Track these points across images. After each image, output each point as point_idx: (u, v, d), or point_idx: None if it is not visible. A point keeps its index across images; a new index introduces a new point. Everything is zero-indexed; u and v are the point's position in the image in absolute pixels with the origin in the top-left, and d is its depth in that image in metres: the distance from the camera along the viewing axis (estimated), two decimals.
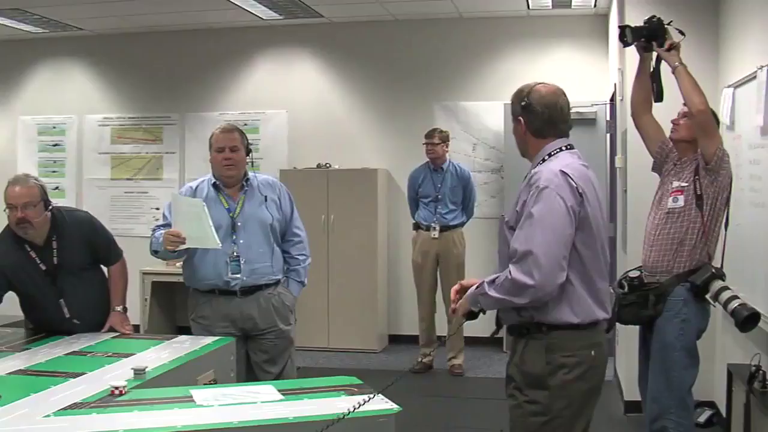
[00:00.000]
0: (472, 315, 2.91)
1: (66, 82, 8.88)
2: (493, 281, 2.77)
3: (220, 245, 3.95)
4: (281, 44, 8.34)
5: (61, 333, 3.95)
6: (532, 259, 2.64)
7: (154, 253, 4.16)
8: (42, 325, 4.06)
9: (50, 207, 3.91)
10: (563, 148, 2.88)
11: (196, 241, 3.96)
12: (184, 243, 3.91)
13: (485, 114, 7.86)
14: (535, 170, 2.83)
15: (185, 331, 4.32)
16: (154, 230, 4.17)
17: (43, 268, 3.92)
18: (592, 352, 2.80)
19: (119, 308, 4.13)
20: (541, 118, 2.86)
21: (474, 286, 2.87)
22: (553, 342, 2.75)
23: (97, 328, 4.05)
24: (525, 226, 2.72)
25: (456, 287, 2.96)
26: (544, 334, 2.76)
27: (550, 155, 2.86)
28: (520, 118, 2.90)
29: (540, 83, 2.92)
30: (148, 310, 7.78)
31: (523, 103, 2.88)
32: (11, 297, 3.99)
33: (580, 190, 2.75)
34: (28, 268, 3.91)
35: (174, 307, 8.19)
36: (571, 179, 2.75)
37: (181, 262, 4.26)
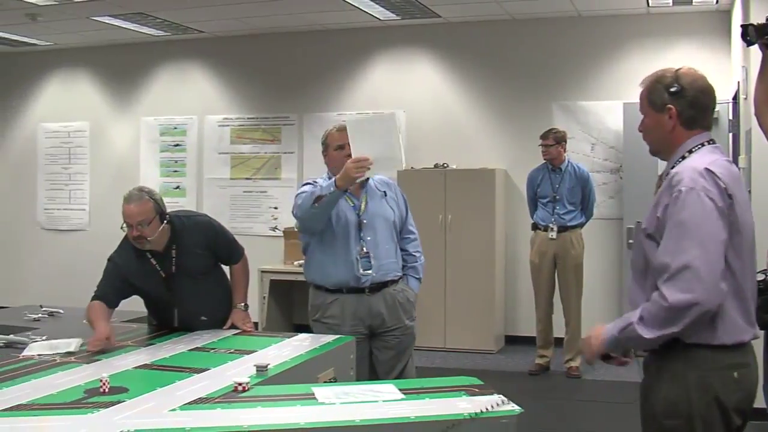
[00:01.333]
0: (606, 357, 2.73)
1: (187, 84, 9.66)
2: (641, 318, 2.52)
3: (404, 163, 4.09)
4: (398, 44, 8.86)
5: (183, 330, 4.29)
6: (690, 274, 2.43)
7: (304, 212, 4.07)
8: (164, 324, 4.35)
9: (166, 219, 4.10)
10: (705, 143, 2.68)
11: (383, 163, 3.98)
12: (370, 167, 3.92)
13: (604, 113, 8.17)
14: (675, 170, 2.60)
15: (302, 329, 4.60)
16: (299, 194, 4.16)
17: (163, 275, 4.16)
18: (735, 374, 2.57)
19: (241, 305, 4.35)
20: (695, 105, 2.66)
21: (610, 329, 2.63)
22: (693, 362, 2.55)
23: (218, 325, 4.28)
24: (674, 235, 2.49)
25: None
26: (681, 352, 2.56)
27: (690, 151, 2.65)
28: (670, 106, 2.65)
29: (681, 67, 2.71)
30: (266, 308, 8.41)
31: (673, 89, 2.65)
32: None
33: (729, 191, 2.54)
34: (150, 275, 4.16)
35: (292, 305, 8.83)
36: (719, 179, 2.53)
37: (302, 261, 4.43)
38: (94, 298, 4.11)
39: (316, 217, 4.08)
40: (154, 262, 4.17)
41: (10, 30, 8.98)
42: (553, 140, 7.10)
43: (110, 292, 4.14)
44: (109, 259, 4.23)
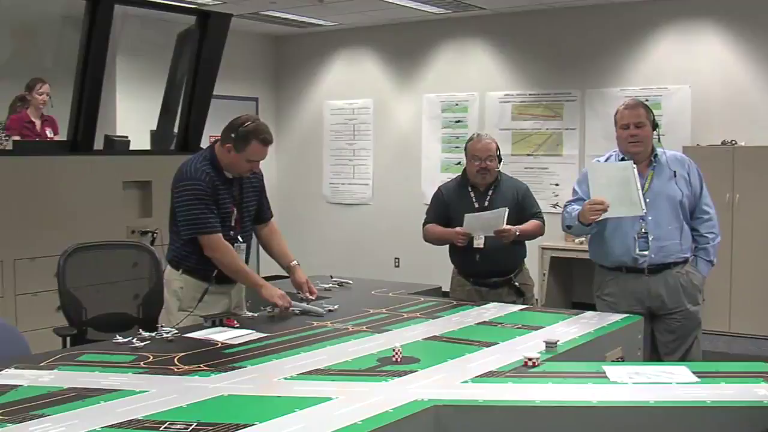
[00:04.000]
0: None
1: (469, 61, 10.89)
2: None
3: (644, 210, 4.48)
4: (683, 18, 9.46)
5: None
6: None
7: (567, 228, 4.87)
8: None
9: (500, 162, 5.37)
10: None
11: (620, 208, 4.48)
12: (606, 210, 4.49)
13: None
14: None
15: (580, 306, 5.22)
16: (565, 206, 4.92)
17: (476, 206, 5.32)
18: None
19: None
20: None
21: None
22: None
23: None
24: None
25: None
26: None
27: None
28: None
29: None
30: (545, 285, 9.48)
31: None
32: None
33: None
34: (466, 206, 5.31)
35: (571, 283, 9.87)
36: None
37: (583, 238, 5.45)
38: (425, 223, 5.49)
39: (583, 232, 4.92)
40: (473, 195, 5.38)
41: (299, 12, 10.57)
42: None
43: (433, 218, 5.46)
44: (437, 190, 5.56)
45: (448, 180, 5.74)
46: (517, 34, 10.54)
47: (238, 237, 4.64)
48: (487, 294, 5.34)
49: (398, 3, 9.92)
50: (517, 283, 5.39)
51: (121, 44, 9.71)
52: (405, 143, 11.34)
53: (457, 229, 5.22)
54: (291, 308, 4.56)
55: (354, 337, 4.01)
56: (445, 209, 5.45)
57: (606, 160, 4.90)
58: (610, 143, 5.15)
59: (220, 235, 4.47)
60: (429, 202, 5.65)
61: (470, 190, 5.41)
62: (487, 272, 5.35)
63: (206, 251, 4.50)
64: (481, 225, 5.16)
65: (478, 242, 5.17)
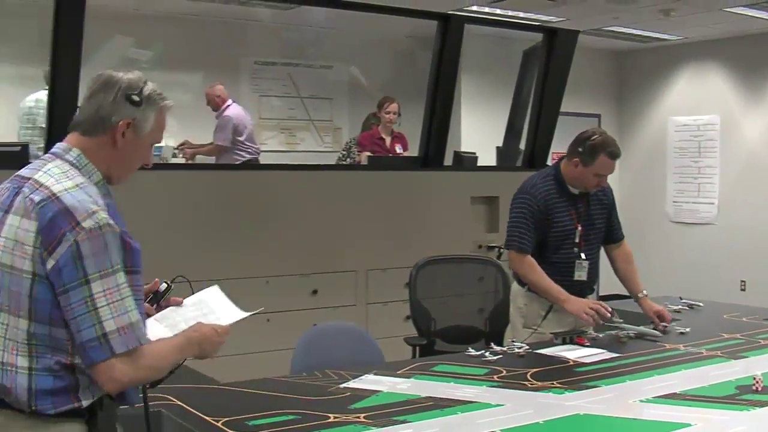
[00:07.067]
0: None
1: None
2: None
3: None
4: None
5: None
6: None
7: None
8: None
9: None
10: None
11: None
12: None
13: None
14: None
15: None
16: None
17: None
18: None
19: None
20: None
21: None
22: None
23: None
24: None
25: None
26: None
27: None
28: None
29: None
30: None
31: None
32: None
33: None
34: None
35: None
36: None
37: None
38: None
39: None
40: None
41: (642, 27, 10.34)
42: None
43: None
44: None
45: None
46: None
47: (581, 254, 4.61)
48: None
49: (749, 14, 9.46)
50: None
51: (464, 62, 9.97)
52: (754, 161, 10.76)
53: None
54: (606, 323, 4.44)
55: (709, 362, 3.89)
56: None
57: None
58: None
59: (525, 255, 4.51)
60: None
61: None
62: None
63: (510, 264, 4.62)
64: None
65: None
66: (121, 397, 2.41)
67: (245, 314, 2.72)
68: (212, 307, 2.74)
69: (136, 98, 2.38)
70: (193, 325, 2.57)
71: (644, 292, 4.75)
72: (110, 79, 2.40)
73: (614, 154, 4.43)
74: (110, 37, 8.50)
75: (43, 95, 6.62)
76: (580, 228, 4.60)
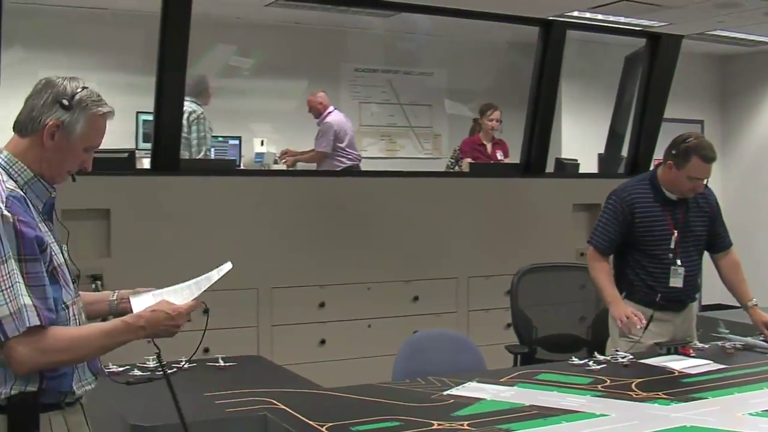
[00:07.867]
0: None
1: None
2: None
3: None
4: None
5: None
6: None
7: None
8: None
9: None
10: None
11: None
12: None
13: None
14: None
15: None
16: None
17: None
18: None
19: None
20: None
21: None
22: None
23: None
24: None
25: None
26: None
27: None
28: None
29: None
30: None
31: None
32: None
33: None
34: None
35: None
36: None
37: None
38: None
39: None
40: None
41: (748, 30, 10.08)
42: None
43: None
44: None
45: None
46: None
47: (677, 261, 4.54)
48: None
49: None
50: None
51: (565, 68, 9.90)
52: None
53: None
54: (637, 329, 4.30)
55: None
56: None
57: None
58: None
59: (600, 254, 4.61)
60: None
61: None
62: None
63: (587, 259, 4.71)
64: None
65: None
66: (50, 391, 2.44)
67: (199, 292, 2.64)
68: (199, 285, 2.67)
69: (65, 102, 2.47)
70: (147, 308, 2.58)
71: (754, 301, 4.64)
72: (48, 84, 2.52)
73: (707, 158, 4.38)
74: (213, 46, 8.64)
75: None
76: (676, 234, 4.54)
